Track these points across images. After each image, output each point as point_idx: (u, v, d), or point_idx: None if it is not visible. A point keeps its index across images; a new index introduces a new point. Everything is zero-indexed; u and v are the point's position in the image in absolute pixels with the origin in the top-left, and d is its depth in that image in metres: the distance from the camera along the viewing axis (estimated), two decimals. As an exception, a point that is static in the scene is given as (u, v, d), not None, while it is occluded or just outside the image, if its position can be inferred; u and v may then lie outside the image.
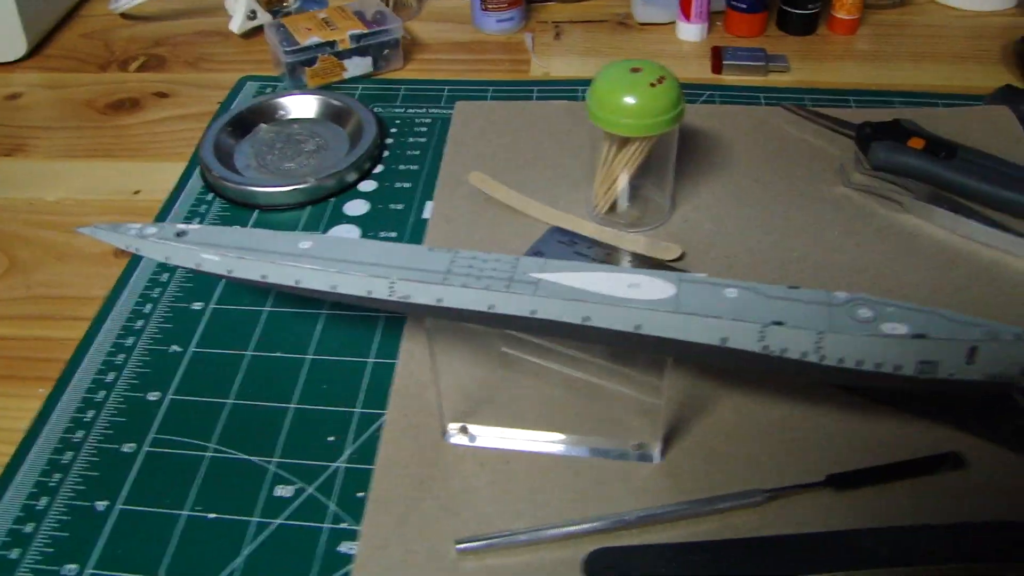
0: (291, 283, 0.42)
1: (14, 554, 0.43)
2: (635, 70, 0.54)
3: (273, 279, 0.42)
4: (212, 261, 0.43)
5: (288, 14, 0.83)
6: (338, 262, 0.41)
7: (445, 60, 0.79)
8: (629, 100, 0.54)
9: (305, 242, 0.43)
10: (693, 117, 0.69)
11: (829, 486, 0.45)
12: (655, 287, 0.39)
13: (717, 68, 0.76)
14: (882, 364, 0.38)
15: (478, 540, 0.42)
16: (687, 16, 0.79)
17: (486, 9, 0.80)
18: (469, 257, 0.41)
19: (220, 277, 0.43)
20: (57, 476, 0.47)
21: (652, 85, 0.53)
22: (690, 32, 0.80)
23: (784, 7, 0.81)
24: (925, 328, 0.38)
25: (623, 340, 0.39)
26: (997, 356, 0.38)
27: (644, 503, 0.44)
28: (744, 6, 0.79)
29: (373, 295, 0.41)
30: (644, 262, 0.56)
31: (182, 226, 0.45)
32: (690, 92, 0.73)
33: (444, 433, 0.47)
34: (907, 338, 0.38)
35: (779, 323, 0.38)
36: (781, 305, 0.39)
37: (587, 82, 0.74)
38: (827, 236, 0.60)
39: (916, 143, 0.64)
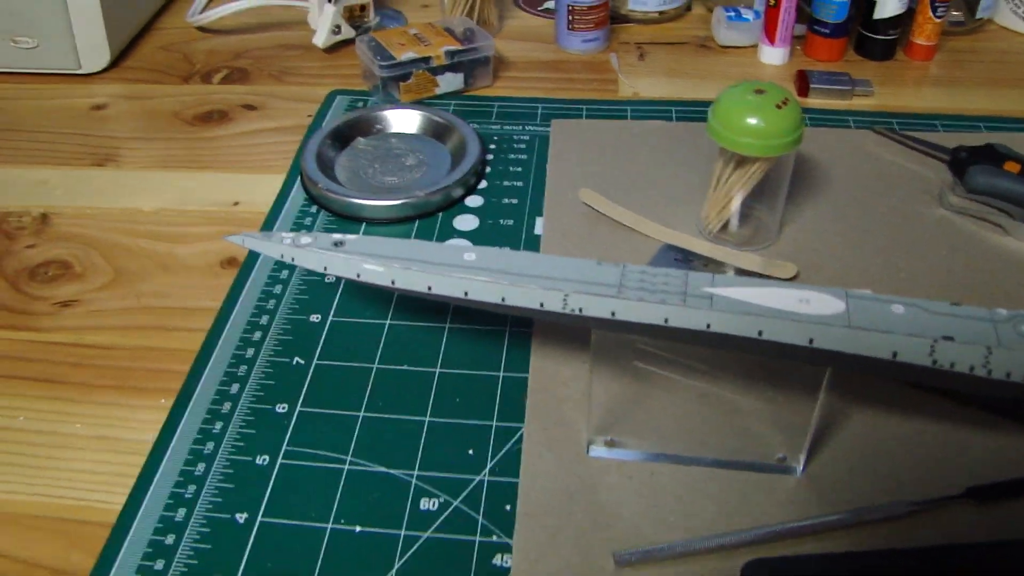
0: (459, 295, 0.42)
1: (159, 565, 0.43)
2: (759, 91, 0.55)
3: (439, 291, 0.42)
4: (375, 272, 0.43)
5: (368, 29, 0.83)
6: (508, 275, 0.42)
7: (533, 78, 0.80)
8: (753, 121, 0.54)
9: (470, 254, 0.43)
10: (787, 139, 0.70)
11: (970, 498, 0.45)
12: (825, 303, 0.40)
13: (803, 91, 0.77)
14: (1062, 382, 0.39)
15: (635, 551, 0.42)
16: (771, 40, 0.80)
17: (572, 29, 0.81)
18: (639, 271, 0.42)
19: (381, 288, 0.44)
20: (192, 488, 0.47)
21: (777, 107, 0.54)
22: (773, 56, 0.81)
23: (864, 32, 0.82)
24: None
25: (794, 353, 0.40)
26: None
27: (789, 515, 0.44)
28: (827, 31, 0.80)
29: (545, 307, 0.41)
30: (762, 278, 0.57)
31: (339, 236, 0.45)
32: (779, 114, 0.74)
33: (588, 446, 0.47)
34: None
35: (949, 338, 0.39)
36: (947, 321, 0.40)
37: (677, 103, 0.76)
38: (930, 257, 0.61)
39: (1012, 167, 0.65)
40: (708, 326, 0.40)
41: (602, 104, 0.75)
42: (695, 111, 0.74)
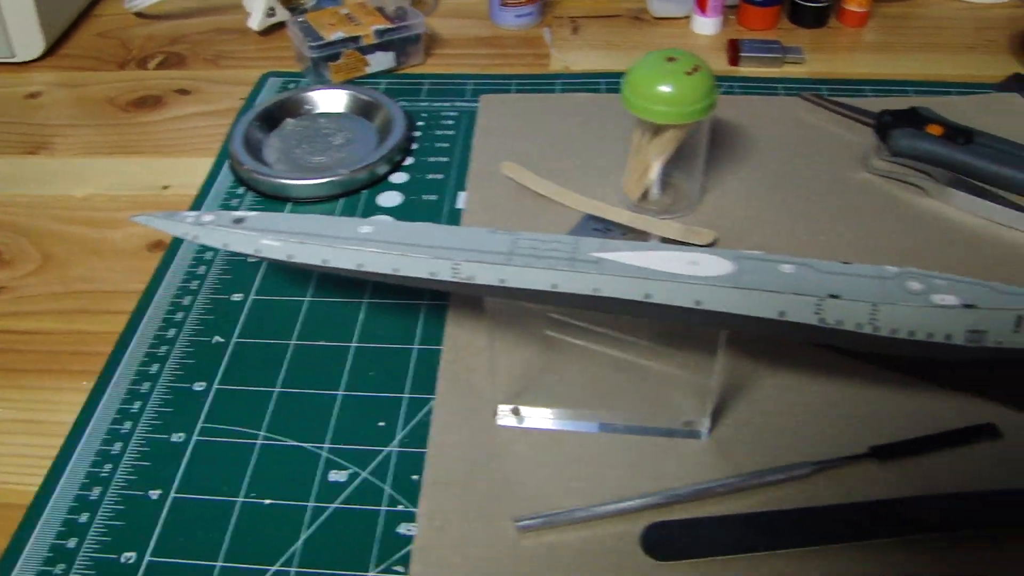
0: (353, 266, 0.42)
1: (71, 543, 0.44)
2: (671, 59, 0.55)
3: (334, 263, 0.43)
4: (272, 247, 0.43)
5: (305, 11, 0.83)
6: (400, 245, 0.42)
7: (465, 55, 0.80)
8: (665, 88, 0.55)
9: (365, 227, 0.43)
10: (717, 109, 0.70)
11: (873, 458, 0.46)
12: (714, 264, 0.40)
13: (734, 60, 0.77)
14: (933, 334, 0.39)
15: (537, 517, 0.43)
16: (703, 10, 0.80)
17: (504, 4, 0.81)
18: (530, 238, 0.42)
19: (279, 263, 0.44)
20: (108, 467, 0.47)
21: (687, 74, 0.55)
22: (705, 26, 0.81)
23: (796, 0, 0.82)
24: (974, 299, 0.39)
25: (683, 315, 0.40)
26: (1047, 326, 0.39)
27: (695, 478, 0.45)
28: (759, 0, 0.81)
29: (437, 276, 0.41)
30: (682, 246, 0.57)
31: (239, 213, 0.45)
32: (709, 83, 0.74)
33: (495, 415, 0.47)
34: (957, 308, 0.39)
35: (835, 296, 0.39)
36: (835, 279, 0.40)
37: (607, 75, 0.76)
38: (853, 220, 0.61)
39: (934, 130, 0.65)
40: (596, 290, 0.40)
41: (533, 78, 0.76)
42: (615, 83, 0.74)
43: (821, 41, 0.81)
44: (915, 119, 0.67)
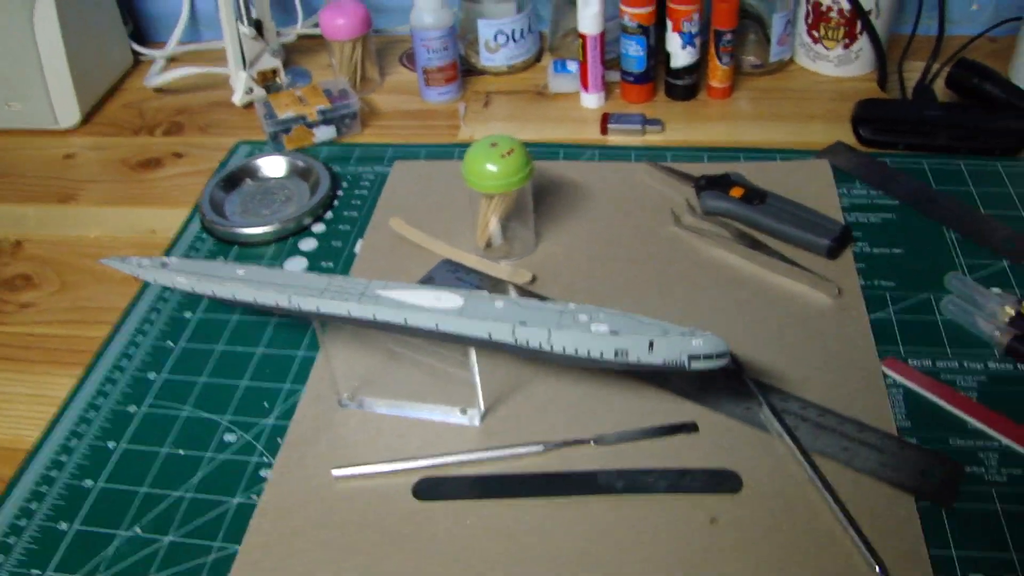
0: (230, 296, 0.67)
1: (53, 474, 0.69)
2: (493, 145, 0.79)
3: (219, 294, 0.68)
4: (181, 282, 0.69)
5: (279, 89, 1.10)
6: (259, 283, 0.67)
7: (395, 126, 1.05)
8: (490, 167, 0.78)
9: (240, 270, 0.68)
10: (574, 172, 0.93)
11: (595, 443, 0.68)
12: (450, 300, 0.64)
13: (604, 130, 1.00)
14: (591, 352, 0.62)
15: (347, 468, 0.67)
16: (586, 88, 1.03)
17: (428, 84, 1.06)
18: (340, 279, 0.66)
19: (190, 293, 0.70)
20: (84, 427, 0.73)
21: (503, 156, 0.78)
22: (590, 100, 1.04)
23: (668, 79, 1.05)
24: (619, 327, 0.62)
25: (431, 335, 0.64)
26: (669, 347, 0.61)
27: (465, 448, 0.68)
28: (632, 79, 1.03)
29: (279, 304, 0.66)
30: (507, 284, 0.81)
31: (166, 259, 0.71)
32: (579, 150, 0.97)
33: (339, 401, 0.72)
34: (606, 334, 0.61)
35: (523, 323, 0.62)
36: (529, 312, 0.63)
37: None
38: (651, 267, 0.83)
39: (736, 192, 0.87)
40: (374, 316, 0.64)
41: (441, 147, 1.00)
42: (515, 150, 0.98)
43: (690, 112, 1.03)
44: (724, 183, 0.89)
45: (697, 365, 0.61)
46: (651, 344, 0.61)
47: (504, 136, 0.79)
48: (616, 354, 0.62)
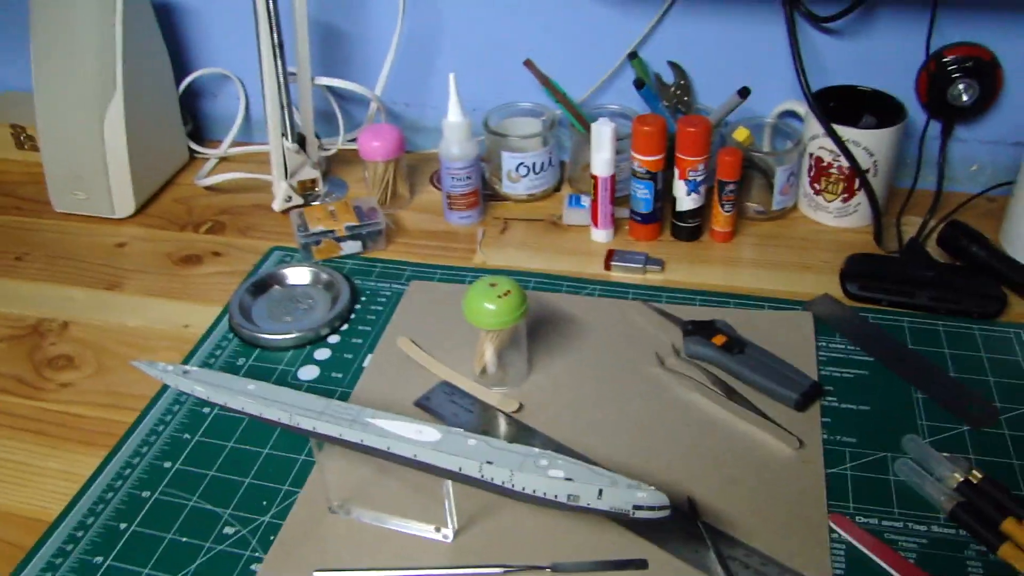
0: (239, 408, 0.78)
1: (69, 548, 0.79)
2: (492, 285, 0.88)
3: (231, 405, 0.78)
4: (199, 391, 0.79)
5: (317, 197, 1.21)
6: (267, 400, 0.77)
7: (416, 244, 1.15)
8: (488, 306, 0.88)
9: (251, 385, 0.78)
10: (573, 306, 1.03)
11: (552, 569, 0.76)
12: (429, 433, 0.73)
13: (608, 266, 1.09)
14: (547, 494, 0.71)
15: (330, 572, 0.76)
16: (596, 224, 1.13)
17: (451, 208, 1.17)
18: (338, 405, 0.76)
19: (204, 400, 0.80)
20: (101, 507, 0.83)
21: (500, 297, 0.88)
22: (599, 235, 1.14)
23: (674, 220, 1.14)
24: (573, 475, 0.70)
25: (410, 463, 0.73)
26: (616, 496, 0.70)
27: (438, 563, 0.77)
28: (639, 218, 1.13)
29: (281, 421, 0.76)
30: (497, 410, 0.90)
31: (187, 368, 0.81)
32: (582, 285, 1.06)
33: (330, 508, 0.81)
34: (561, 479, 0.70)
35: (490, 462, 0.71)
36: (497, 452, 0.72)
37: (512, 272, 1.09)
38: (631, 405, 0.91)
39: (719, 339, 0.96)
40: (362, 440, 0.74)
41: (455, 269, 1.10)
42: (522, 279, 1.07)
43: (692, 253, 1.12)
44: (709, 330, 0.97)
45: (640, 515, 0.69)
46: (600, 492, 0.70)
47: (503, 277, 0.89)
48: (568, 498, 0.70)
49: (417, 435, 0.73)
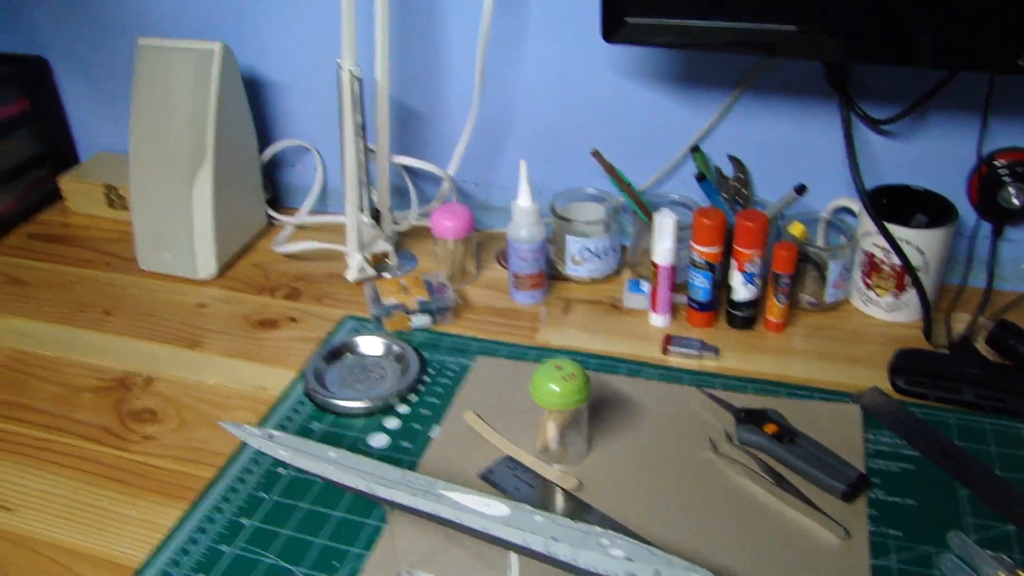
0: (319, 473, 0.84)
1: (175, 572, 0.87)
2: (558, 367, 0.95)
3: (312, 470, 0.85)
4: (282, 454, 0.86)
5: (389, 269, 1.29)
6: (347, 467, 0.84)
7: (482, 320, 1.22)
8: (554, 387, 0.94)
9: (332, 452, 0.85)
10: (631, 388, 1.09)
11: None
12: (498, 508, 0.79)
13: (665, 350, 1.16)
14: (608, 571, 0.76)
15: (396, 633, 0.82)
16: (655, 309, 1.20)
17: (517, 288, 1.24)
18: (413, 476, 0.82)
19: (285, 463, 0.87)
20: (185, 558, 0.90)
21: (565, 379, 0.94)
22: (657, 320, 1.20)
23: (729, 309, 1.20)
24: (633, 555, 0.76)
25: (478, 535, 0.79)
26: (673, 576, 0.75)
27: (498, 631, 0.83)
28: (696, 306, 1.19)
29: (359, 488, 0.83)
30: (556, 487, 0.96)
31: (272, 432, 0.89)
32: (639, 367, 1.12)
33: (398, 574, 0.87)
34: (622, 559, 0.76)
35: (555, 539, 0.77)
36: (561, 529, 0.77)
37: (574, 352, 1.15)
38: (684, 488, 0.97)
39: (770, 428, 1.01)
40: (435, 511, 0.80)
41: (519, 347, 1.17)
42: (582, 359, 1.14)
43: (745, 342, 1.18)
44: (761, 418, 1.03)
45: (692, 596, 0.75)
46: (657, 573, 0.75)
47: (568, 360, 0.96)
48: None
49: (485, 508, 0.79)
